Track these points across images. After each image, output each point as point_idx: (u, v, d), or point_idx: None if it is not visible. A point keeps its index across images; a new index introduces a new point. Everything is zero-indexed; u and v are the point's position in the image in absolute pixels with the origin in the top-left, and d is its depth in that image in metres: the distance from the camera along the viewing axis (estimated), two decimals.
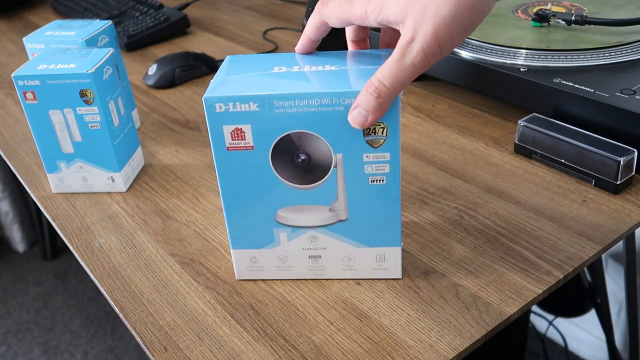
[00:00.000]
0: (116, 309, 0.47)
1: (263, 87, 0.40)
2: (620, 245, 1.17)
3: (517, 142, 0.62)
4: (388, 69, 0.38)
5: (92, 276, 0.51)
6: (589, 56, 0.65)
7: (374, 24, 0.41)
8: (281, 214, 0.44)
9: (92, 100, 0.56)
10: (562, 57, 0.65)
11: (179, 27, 1.06)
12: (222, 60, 0.91)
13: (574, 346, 1.43)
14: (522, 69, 0.64)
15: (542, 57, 0.65)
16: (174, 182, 0.63)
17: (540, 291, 0.45)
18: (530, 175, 0.59)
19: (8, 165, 0.89)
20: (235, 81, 0.42)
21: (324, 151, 0.42)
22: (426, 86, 0.79)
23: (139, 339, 0.44)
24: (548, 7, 0.75)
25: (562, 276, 0.46)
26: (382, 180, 0.42)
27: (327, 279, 0.48)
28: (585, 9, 0.75)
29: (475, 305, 0.44)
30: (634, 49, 0.66)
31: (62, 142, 0.59)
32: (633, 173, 0.55)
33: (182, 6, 1.15)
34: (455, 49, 0.70)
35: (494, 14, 0.77)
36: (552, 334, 1.45)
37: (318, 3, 0.43)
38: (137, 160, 0.64)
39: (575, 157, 0.56)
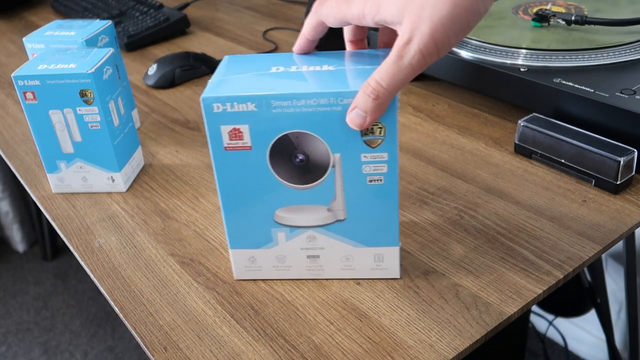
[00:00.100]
0: (116, 309, 0.47)
1: (261, 87, 0.40)
2: (620, 245, 1.17)
3: (517, 142, 0.62)
4: (385, 70, 0.38)
5: (92, 276, 0.51)
6: (588, 56, 0.65)
7: (371, 24, 0.41)
8: (279, 213, 0.44)
9: (92, 100, 0.56)
10: (562, 57, 0.65)
11: (179, 27, 1.06)
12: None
13: (574, 346, 1.43)
14: (522, 69, 0.64)
15: (542, 57, 0.65)
16: (174, 182, 0.63)
17: (540, 291, 0.45)
18: (530, 175, 0.59)
19: (8, 165, 0.89)
20: (233, 81, 0.42)
21: (321, 151, 0.42)
22: (426, 86, 0.79)
23: (139, 339, 0.44)
24: (548, 7, 0.75)
25: (562, 276, 0.46)
26: (380, 180, 0.42)
27: (327, 279, 0.48)
28: (582, 7, 0.75)
29: (475, 305, 0.44)
30: (634, 49, 0.66)
31: (62, 142, 0.59)
32: (633, 173, 0.55)
33: (182, 6, 1.15)
34: (455, 49, 0.70)
35: (494, 14, 0.77)
36: (552, 334, 1.45)
37: (315, 3, 0.43)
38: (137, 160, 0.64)
39: (575, 157, 0.56)
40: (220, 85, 0.41)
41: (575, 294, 1.20)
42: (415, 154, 0.64)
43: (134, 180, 0.63)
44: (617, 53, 0.65)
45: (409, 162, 0.62)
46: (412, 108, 0.74)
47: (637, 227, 0.52)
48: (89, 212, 0.59)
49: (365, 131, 0.41)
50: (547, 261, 0.48)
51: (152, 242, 0.54)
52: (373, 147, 0.41)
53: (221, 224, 0.56)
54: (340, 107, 0.40)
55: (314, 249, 0.46)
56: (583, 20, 0.68)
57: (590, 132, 0.57)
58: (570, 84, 0.60)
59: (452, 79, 0.71)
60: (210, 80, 0.42)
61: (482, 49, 0.69)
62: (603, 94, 0.58)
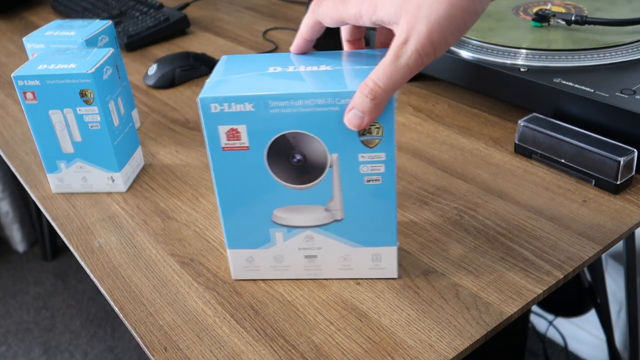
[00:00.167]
0: (116, 309, 0.47)
1: (258, 88, 0.40)
2: (620, 245, 1.17)
3: (517, 142, 0.62)
4: (383, 70, 0.38)
5: (92, 276, 0.51)
6: (589, 56, 0.65)
7: (368, 24, 0.41)
8: (277, 213, 0.45)
9: (92, 100, 0.56)
10: (562, 57, 0.65)
11: (179, 27, 1.06)
12: None
13: (574, 346, 1.43)
14: (522, 69, 0.64)
15: (542, 57, 0.65)
16: (174, 182, 0.63)
17: (540, 291, 0.45)
18: (530, 175, 0.59)
19: (8, 165, 0.89)
20: (231, 81, 0.42)
21: (319, 151, 0.42)
22: (426, 86, 0.79)
23: (139, 339, 0.44)
24: (548, 7, 0.75)
25: (562, 276, 0.46)
26: (378, 180, 0.42)
27: (327, 279, 0.48)
28: (582, 6, 0.75)
29: (475, 305, 0.44)
30: (634, 49, 0.66)
31: (62, 142, 0.59)
32: (633, 173, 0.55)
33: (182, 6, 1.15)
34: (455, 49, 0.70)
35: (495, 14, 0.77)
36: (552, 334, 1.45)
37: (312, 3, 0.43)
38: (137, 160, 0.64)
39: (575, 157, 0.56)
40: (218, 85, 0.41)
41: (575, 294, 1.20)
42: (415, 154, 0.64)
43: (134, 180, 0.63)
44: (617, 53, 0.65)
45: (409, 162, 0.62)
46: (412, 108, 0.74)
47: (637, 227, 0.52)
48: (89, 212, 0.59)
49: (363, 131, 0.41)
50: (547, 261, 0.48)
51: (152, 242, 0.54)
52: (370, 147, 0.41)
53: (221, 224, 0.56)
54: (337, 108, 0.40)
55: (312, 249, 0.46)
56: (583, 20, 0.68)
57: (590, 132, 0.57)
58: (570, 84, 0.60)
59: (452, 79, 0.71)
60: (207, 81, 0.42)
61: (482, 49, 0.69)
62: (603, 94, 0.58)
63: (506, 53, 0.67)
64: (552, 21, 0.72)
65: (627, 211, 0.53)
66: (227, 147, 0.42)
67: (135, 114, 0.74)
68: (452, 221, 0.53)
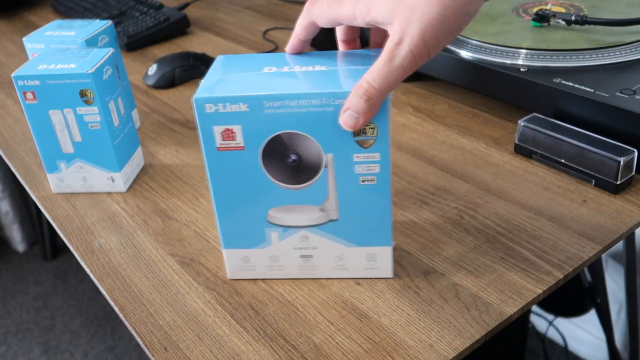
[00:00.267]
0: (116, 309, 0.47)
1: (253, 88, 0.41)
2: (620, 245, 1.17)
3: (517, 142, 0.62)
4: (377, 71, 0.38)
5: (92, 276, 0.51)
6: (589, 56, 0.65)
7: (362, 25, 0.41)
8: (272, 213, 0.45)
9: (92, 100, 0.56)
10: (562, 57, 0.65)
11: (179, 27, 1.06)
12: None
13: (574, 346, 1.43)
14: (522, 69, 0.64)
15: (542, 57, 0.65)
16: (174, 182, 0.63)
17: (540, 291, 0.45)
18: (530, 175, 0.59)
19: (8, 165, 0.89)
20: (226, 81, 0.42)
21: (314, 151, 0.42)
22: (426, 86, 0.79)
23: (139, 339, 0.44)
24: (548, 7, 0.75)
25: (562, 276, 0.46)
26: (373, 180, 0.43)
27: (327, 279, 0.48)
28: (581, 6, 0.75)
29: (475, 305, 0.44)
30: (634, 49, 0.66)
31: (62, 142, 0.59)
32: (633, 173, 0.55)
33: (182, 6, 1.15)
34: (455, 49, 0.70)
35: (494, 14, 0.77)
36: (552, 334, 1.45)
37: (307, 3, 0.44)
38: (137, 160, 0.64)
39: (575, 157, 0.56)
40: (213, 85, 0.42)
41: (575, 294, 1.20)
42: (415, 154, 0.64)
43: (134, 180, 0.63)
44: (617, 53, 0.65)
45: (409, 162, 0.62)
46: (412, 108, 0.74)
47: (637, 227, 0.52)
48: (89, 212, 0.59)
49: (358, 131, 0.41)
50: (547, 261, 0.48)
51: (152, 242, 0.54)
52: (365, 148, 0.41)
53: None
54: (332, 108, 0.40)
55: (307, 249, 0.46)
56: (583, 20, 0.68)
57: (590, 132, 0.57)
58: (570, 84, 0.60)
59: (452, 79, 0.71)
60: (202, 81, 0.42)
61: (482, 49, 0.69)
62: (603, 94, 0.58)
63: (506, 53, 0.67)
64: (552, 21, 0.72)
65: (627, 211, 0.53)
66: (222, 147, 0.42)
67: (135, 114, 0.74)
68: (452, 221, 0.53)
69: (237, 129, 0.41)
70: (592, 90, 0.58)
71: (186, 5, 1.16)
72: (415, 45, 0.37)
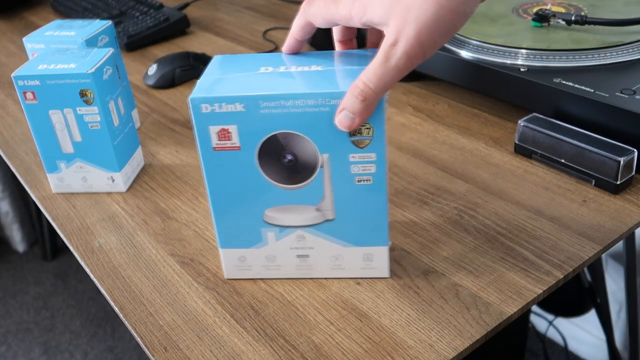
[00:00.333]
0: (116, 309, 0.47)
1: (249, 88, 0.41)
2: (620, 245, 1.17)
3: (517, 142, 0.62)
4: (373, 72, 0.38)
5: (92, 276, 0.51)
6: (589, 56, 0.65)
7: (359, 25, 0.41)
8: (269, 213, 0.45)
9: (92, 100, 0.56)
10: (562, 57, 0.65)
11: (179, 27, 1.06)
12: None
13: (574, 346, 1.43)
14: (522, 69, 0.64)
15: (542, 57, 0.65)
16: (174, 182, 0.63)
17: (540, 291, 0.45)
18: (530, 175, 0.59)
19: (8, 165, 0.89)
20: (222, 82, 0.42)
21: (310, 151, 0.42)
22: (426, 86, 0.79)
23: (139, 339, 0.44)
24: (548, 7, 0.75)
25: (562, 276, 0.46)
26: (369, 180, 0.43)
27: (327, 279, 0.48)
28: (581, 6, 0.75)
29: (475, 305, 0.44)
30: (634, 49, 0.66)
31: (62, 142, 0.59)
32: (633, 173, 0.55)
33: (182, 6, 1.15)
34: (455, 49, 0.70)
35: (494, 14, 0.77)
36: (552, 334, 1.45)
37: (303, 3, 0.44)
38: (137, 160, 0.64)
39: (575, 157, 0.56)
40: (209, 85, 0.42)
41: (575, 294, 1.20)
42: (415, 154, 0.64)
43: (134, 180, 0.63)
44: (617, 53, 0.65)
45: (409, 162, 0.62)
46: (412, 108, 0.74)
47: (637, 227, 0.52)
48: (89, 212, 0.59)
49: (353, 132, 0.41)
50: (547, 261, 0.48)
51: (152, 242, 0.54)
52: (361, 148, 0.41)
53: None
54: (328, 108, 0.40)
55: (304, 249, 0.46)
56: (583, 20, 0.68)
57: (590, 132, 0.57)
58: (570, 84, 0.60)
59: (452, 79, 0.71)
60: (199, 81, 0.43)
61: (482, 49, 0.69)
62: (603, 94, 0.58)
63: (506, 53, 0.67)
64: (552, 21, 0.72)
65: (627, 211, 0.53)
66: (218, 147, 0.42)
67: (135, 114, 0.74)
68: (452, 221, 0.53)
69: (233, 129, 0.41)
70: (592, 90, 0.58)
71: (186, 5, 1.16)
72: (410, 45, 0.37)
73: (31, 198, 1.63)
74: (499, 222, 0.53)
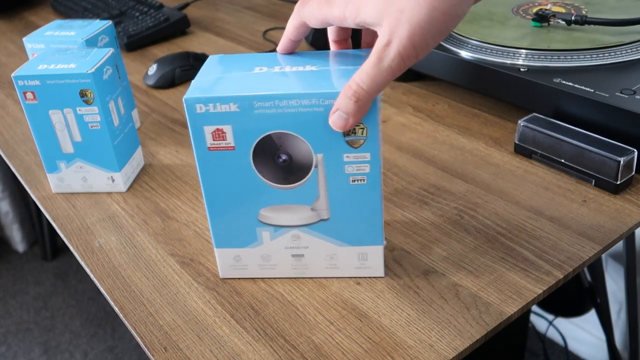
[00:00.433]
0: (116, 309, 0.47)
1: (243, 88, 0.41)
2: (620, 245, 1.17)
3: (517, 142, 0.62)
4: (366, 72, 0.38)
5: (92, 276, 0.51)
6: (589, 56, 0.65)
7: (352, 26, 0.41)
8: (264, 213, 0.45)
9: (92, 100, 0.56)
10: (562, 57, 0.65)
11: (179, 27, 1.06)
12: None
13: (574, 346, 1.43)
14: (522, 69, 0.64)
15: (542, 57, 0.65)
16: (174, 182, 0.63)
17: (540, 291, 0.45)
18: (530, 175, 0.59)
19: (8, 165, 0.89)
20: (217, 82, 0.42)
21: (304, 151, 0.42)
22: (426, 86, 0.79)
23: (139, 339, 0.44)
24: (548, 7, 0.75)
25: (562, 276, 0.46)
26: (363, 180, 0.43)
27: (327, 279, 0.48)
28: (581, 6, 0.75)
29: (475, 305, 0.44)
30: (634, 49, 0.66)
31: (62, 142, 0.59)
32: (633, 173, 0.55)
33: (182, 6, 1.15)
34: (455, 49, 0.70)
35: (495, 14, 0.77)
36: (552, 334, 1.45)
37: (297, 4, 0.44)
38: (137, 160, 0.64)
39: (575, 157, 0.56)
40: (203, 85, 0.42)
41: (575, 294, 1.20)
42: (415, 154, 0.64)
43: (134, 180, 0.63)
44: (617, 53, 0.65)
45: (409, 162, 0.62)
46: (412, 108, 0.74)
47: (637, 227, 0.52)
48: (89, 212, 0.59)
49: (347, 132, 0.41)
50: (547, 261, 0.48)
51: (152, 242, 0.54)
52: (355, 148, 0.41)
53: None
54: (322, 108, 0.40)
55: (299, 248, 0.46)
56: (583, 20, 0.68)
57: (590, 132, 0.57)
58: (570, 84, 0.60)
59: (452, 79, 0.71)
60: (193, 81, 0.43)
61: (482, 49, 0.69)
62: (603, 94, 0.58)
63: (506, 53, 0.67)
64: (552, 21, 0.72)
65: (627, 211, 0.53)
66: (212, 147, 0.42)
67: (135, 114, 0.74)
68: (452, 221, 0.53)
69: (227, 129, 0.41)
70: (592, 90, 0.58)
71: (186, 5, 1.16)
72: (403, 47, 0.38)
73: (31, 198, 1.63)
74: (499, 222, 0.53)
